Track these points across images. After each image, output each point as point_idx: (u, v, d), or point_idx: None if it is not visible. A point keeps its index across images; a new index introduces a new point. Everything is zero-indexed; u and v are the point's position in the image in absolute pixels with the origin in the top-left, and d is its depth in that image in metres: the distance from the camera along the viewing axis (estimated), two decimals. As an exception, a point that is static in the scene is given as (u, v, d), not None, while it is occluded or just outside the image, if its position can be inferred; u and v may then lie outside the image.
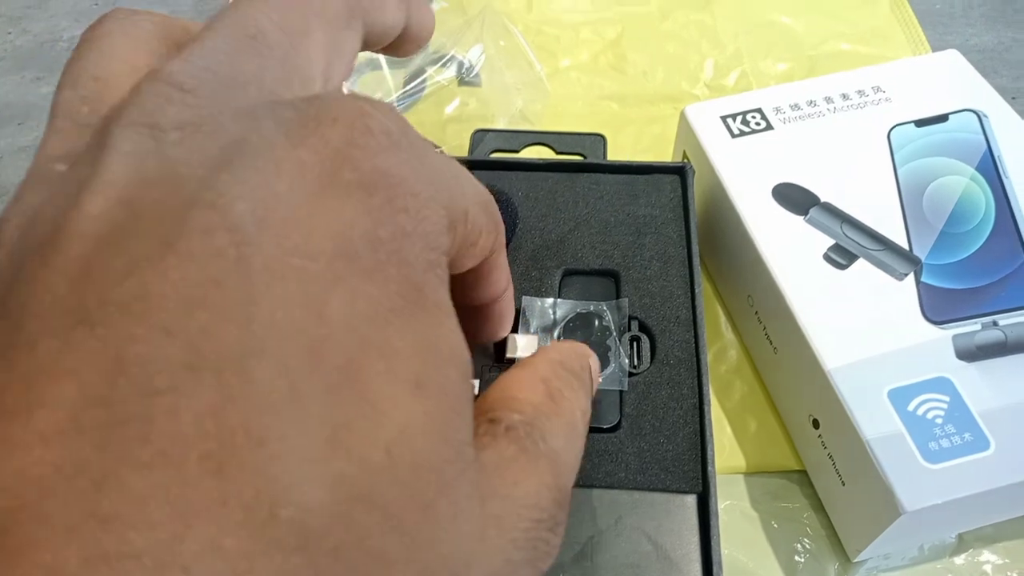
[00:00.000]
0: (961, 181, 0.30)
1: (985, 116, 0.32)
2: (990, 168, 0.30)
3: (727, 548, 0.27)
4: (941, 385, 0.25)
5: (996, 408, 0.24)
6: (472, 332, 0.21)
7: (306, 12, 0.14)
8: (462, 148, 0.36)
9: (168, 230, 0.10)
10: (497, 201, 0.29)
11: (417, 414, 0.11)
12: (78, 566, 0.08)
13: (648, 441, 0.24)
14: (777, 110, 0.33)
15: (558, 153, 0.35)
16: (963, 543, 0.27)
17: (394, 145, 0.12)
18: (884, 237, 0.29)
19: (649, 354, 0.26)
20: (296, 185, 0.11)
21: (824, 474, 0.27)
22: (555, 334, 0.27)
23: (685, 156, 0.34)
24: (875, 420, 0.24)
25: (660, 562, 0.22)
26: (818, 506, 0.28)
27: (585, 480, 0.23)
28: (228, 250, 0.10)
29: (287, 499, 0.09)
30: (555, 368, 0.16)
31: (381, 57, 0.40)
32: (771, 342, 0.30)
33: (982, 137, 0.31)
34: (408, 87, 0.39)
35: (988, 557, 0.27)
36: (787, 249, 0.29)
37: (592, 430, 0.24)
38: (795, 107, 0.33)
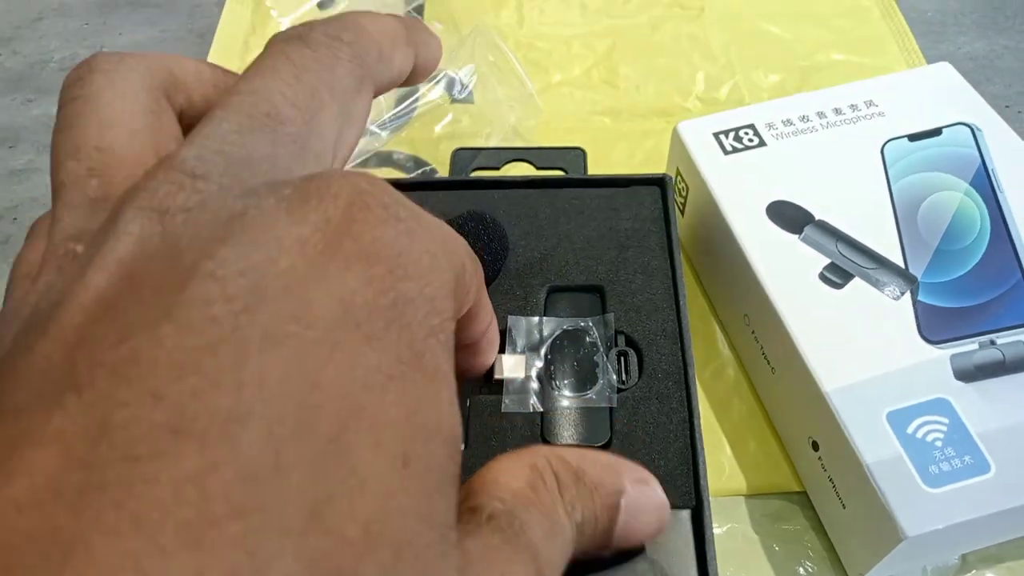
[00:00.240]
0: (956, 196, 0.30)
1: (979, 129, 0.32)
2: (984, 183, 0.30)
3: (728, 572, 0.27)
4: (940, 407, 0.25)
5: (995, 429, 0.24)
6: (461, 367, 0.21)
7: (318, 86, 0.14)
8: (455, 167, 0.36)
9: (167, 299, 0.10)
10: (489, 228, 0.29)
11: (400, 492, 0.11)
12: None
13: (639, 457, 0.24)
14: (770, 126, 0.33)
15: (539, 169, 0.35)
16: (966, 564, 0.27)
17: (392, 217, 0.12)
18: (880, 255, 0.29)
19: (637, 369, 0.26)
20: (297, 258, 0.11)
21: (825, 497, 0.27)
22: (542, 352, 0.26)
23: (678, 173, 0.34)
24: (874, 444, 0.24)
25: None
26: (819, 528, 0.28)
27: None
28: (225, 319, 0.10)
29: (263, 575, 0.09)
30: (548, 457, 0.15)
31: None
32: (768, 362, 0.29)
33: (976, 151, 0.31)
34: (400, 107, 0.39)
35: (992, 577, 0.27)
36: (782, 268, 0.29)
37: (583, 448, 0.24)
38: (788, 123, 0.33)
